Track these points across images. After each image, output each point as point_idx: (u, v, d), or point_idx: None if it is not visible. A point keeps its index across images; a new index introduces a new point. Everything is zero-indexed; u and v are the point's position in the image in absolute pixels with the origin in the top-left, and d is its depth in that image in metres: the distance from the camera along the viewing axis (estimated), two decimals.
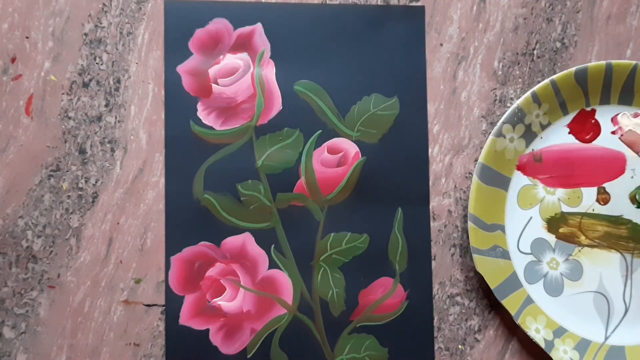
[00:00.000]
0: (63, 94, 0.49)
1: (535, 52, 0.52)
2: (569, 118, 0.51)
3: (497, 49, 0.52)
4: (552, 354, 0.48)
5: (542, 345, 0.48)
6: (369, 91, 0.51)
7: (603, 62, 0.50)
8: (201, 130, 0.49)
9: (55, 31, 0.49)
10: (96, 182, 0.49)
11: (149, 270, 0.49)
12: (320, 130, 0.50)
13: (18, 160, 0.48)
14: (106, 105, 0.49)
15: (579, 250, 0.51)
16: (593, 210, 0.51)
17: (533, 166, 0.51)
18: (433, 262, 0.50)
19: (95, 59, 0.49)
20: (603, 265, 0.51)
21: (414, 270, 0.50)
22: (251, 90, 0.50)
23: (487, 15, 0.52)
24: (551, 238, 0.51)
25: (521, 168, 0.51)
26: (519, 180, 0.51)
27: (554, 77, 0.50)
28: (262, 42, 0.50)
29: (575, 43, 0.52)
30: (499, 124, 0.49)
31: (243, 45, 0.50)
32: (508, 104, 0.52)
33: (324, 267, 0.50)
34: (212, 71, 0.50)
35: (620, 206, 0.51)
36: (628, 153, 0.51)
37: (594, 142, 0.51)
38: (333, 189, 0.50)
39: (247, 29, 0.50)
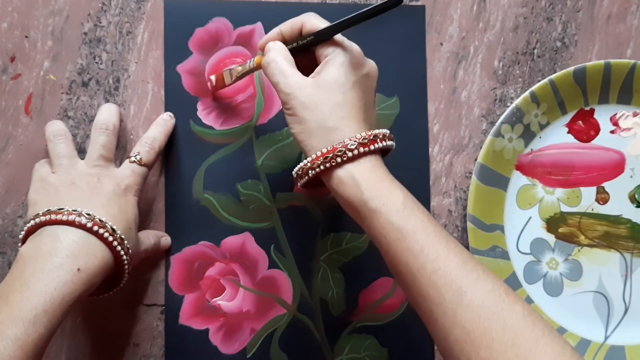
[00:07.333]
0: (62, 93, 0.49)
1: (535, 51, 0.52)
2: (567, 118, 0.51)
3: (497, 49, 0.52)
4: None
5: None
6: None
7: (602, 62, 0.50)
8: (201, 130, 0.49)
9: (55, 30, 0.49)
10: None
11: (149, 270, 0.48)
12: None
13: (17, 159, 0.48)
14: None
15: (579, 250, 0.51)
16: (592, 210, 0.51)
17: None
18: None
19: (94, 58, 0.49)
20: (603, 265, 0.51)
21: None
22: (251, 90, 0.50)
23: (487, 15, 0.52)
24: (550, 238, 0.51)
25: (520, 168, 0.51)
26: (518, 180, 0.51)
27: (552, 76, 0.49)
28: None
29: (576, 42, 0.52)
30: (497, 123, 0.49)
31: (243, 44, 0.50)
32: (508, 104, 0.52)
33: (324, 267, 0.50)
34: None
35: (619, 205, 0.51)
36: (627, 152, 0.51)
37: (593, 142, 0.51)
38: None
39: (247, 28, 0.50)
